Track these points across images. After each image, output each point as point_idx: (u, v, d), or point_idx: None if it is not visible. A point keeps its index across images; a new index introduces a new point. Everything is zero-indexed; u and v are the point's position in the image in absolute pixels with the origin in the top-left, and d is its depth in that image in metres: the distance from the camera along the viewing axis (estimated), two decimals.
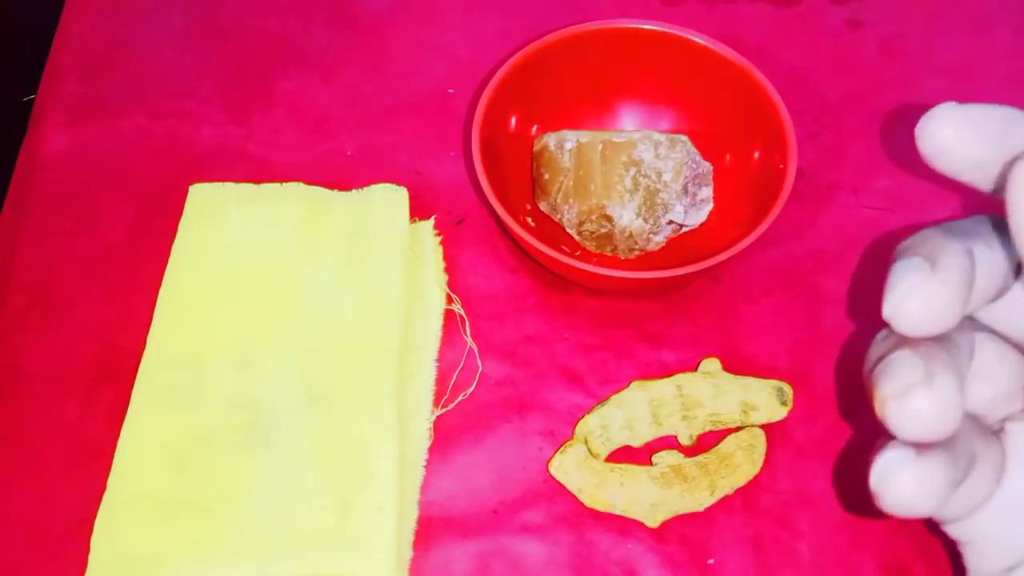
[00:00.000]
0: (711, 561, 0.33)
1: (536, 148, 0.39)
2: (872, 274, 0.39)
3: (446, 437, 0.35)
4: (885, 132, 0.42)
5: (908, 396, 0.20)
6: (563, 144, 0.37)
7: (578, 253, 0.39)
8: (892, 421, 0.20)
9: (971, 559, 0.25)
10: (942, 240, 0.21)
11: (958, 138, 0.21)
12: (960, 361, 0.22)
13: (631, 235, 0.37)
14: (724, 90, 0.39)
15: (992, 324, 0.25)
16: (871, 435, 0.22)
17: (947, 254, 0.21)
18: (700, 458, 0.34)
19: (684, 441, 0.35)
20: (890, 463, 0.21)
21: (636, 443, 0.35)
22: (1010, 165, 0.20)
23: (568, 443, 0.34)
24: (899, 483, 0.21)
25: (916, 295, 0.20)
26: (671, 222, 0.38)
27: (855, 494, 0.34)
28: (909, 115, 0.43)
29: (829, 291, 0.38)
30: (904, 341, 0.21)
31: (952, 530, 0.25)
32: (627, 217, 0.37)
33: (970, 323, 0.24)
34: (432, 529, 0.33)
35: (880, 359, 0.22)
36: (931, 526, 0.24)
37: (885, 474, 0.21)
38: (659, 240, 0.38)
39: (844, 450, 0.35)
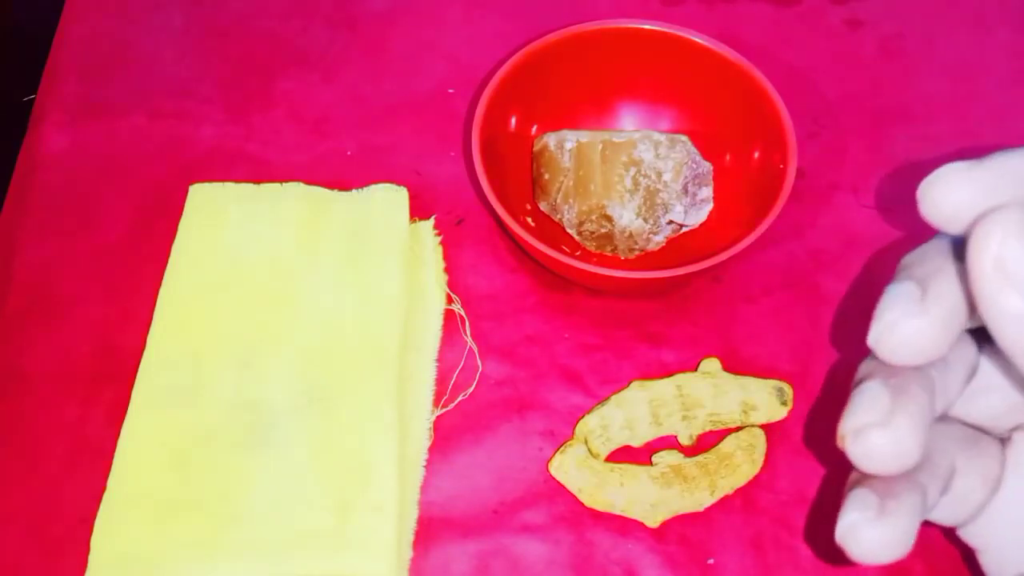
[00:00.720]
0: (711, 561, 0.33)
1: (536, 148, 0.39)
2: (872, 274, 0.39)
3: (446, 437, 0.35)
4: (885, 132, 0.42)
5: (864, 435, 0.20)
6: (563, 144, 0.37)
7: (578, 253, 0.39)
8: (850, 456, 0.21)
9: (987, 566, 0.25)
10: (941, 261, 0.20)
11: (973, 201, 0.18)
12: (948, 383, 0.22)
13: (631, 235, 0.37)
14: (724, 90, 0.39)
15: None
16: None
17: (941, 281, 0.20)
18: (700, 458, 0.34)
19: (684, 441, 0.35)
20: (854, 523, 0.21)
21: (636, 443, 0.35)
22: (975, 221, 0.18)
23: (568, 443, 0.34)
24: (863, 542, 0.21)
25: (901, 327, 0.19)
26: (671, 222, 0.38)
27: None
28: (909, 115, 0.43)
29: (829, 291, 0.38)
30: (882, 368, 0.21)
31: (965, 537, 0.25)
32: (627, 217, 0.37)
33: (980, 334, 0.23)
34: (432, 529, 0.33)
35: (858, 384, 0.21)
36: (946, 532, 0.24)
37: (850, 530, 0.21)
38: (659, 240, 0.38)
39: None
